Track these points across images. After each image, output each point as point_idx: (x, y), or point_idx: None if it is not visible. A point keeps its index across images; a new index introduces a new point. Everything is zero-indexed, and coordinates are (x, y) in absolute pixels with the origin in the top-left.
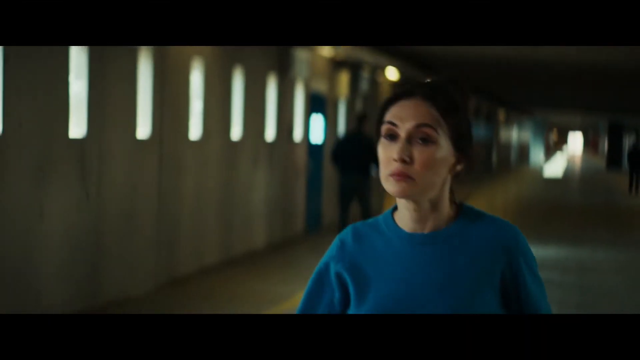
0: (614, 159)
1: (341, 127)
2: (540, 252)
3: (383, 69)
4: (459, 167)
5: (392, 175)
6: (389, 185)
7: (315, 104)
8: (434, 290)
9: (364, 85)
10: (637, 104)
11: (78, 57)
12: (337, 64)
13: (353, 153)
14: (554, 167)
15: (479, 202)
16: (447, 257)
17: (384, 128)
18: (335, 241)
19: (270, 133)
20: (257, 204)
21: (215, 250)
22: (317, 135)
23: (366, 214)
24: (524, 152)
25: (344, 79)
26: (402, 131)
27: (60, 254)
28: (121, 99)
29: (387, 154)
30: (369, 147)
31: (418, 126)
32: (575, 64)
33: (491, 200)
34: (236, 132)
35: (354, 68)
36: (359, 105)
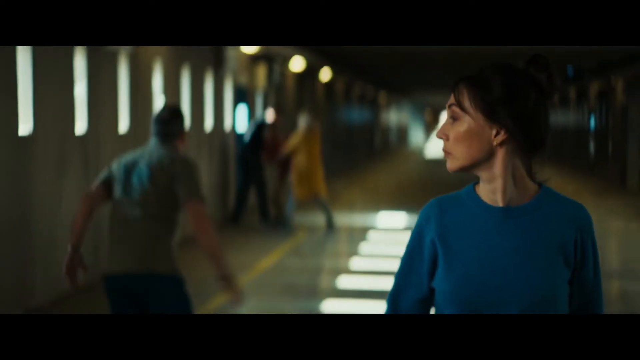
0: None
1: (259, 116)
2: None
3: (291, 60)
4: (499, 138)
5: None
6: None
7: (239, 96)
8: (515, 259)
9: (276, 76)
10: None
11: None
12: (255, 59)
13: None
14: (435, 148)
15: (365, 186)
16: (528, 229)
17: None
18: (422, 214)
19: (208, 124)
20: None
21: None
22: (241, 124)
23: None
24: (402, 134)
25: (261, 72)
26: (446, 114)
27: None
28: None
29: None
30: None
31: (449, 107)
32: (448, 48)
33: (376, 183)
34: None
35: (269, 61)
36: (272, 95)
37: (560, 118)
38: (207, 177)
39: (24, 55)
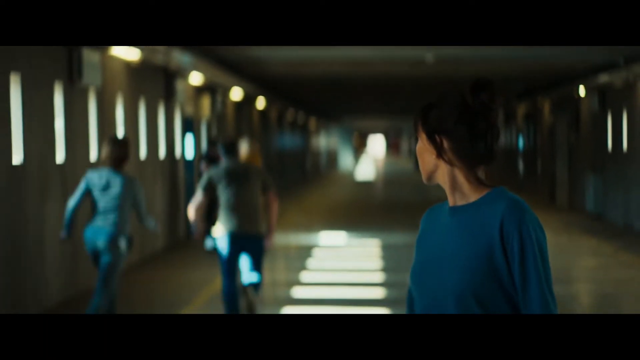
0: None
1: (204, 144)
2: (364, 239)
3: (230, 90)
4: (448, 156)
5: None
6: None
7: (187, 125)
8: (453, 251)
9: (218, 106)
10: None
11: None
12: (199, 90)
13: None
14: (364, 170)
15: (301, 208)
16: (466, 224)
17: None
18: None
19: (161, 152)
20: (156, 213)
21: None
22: (189, 152)
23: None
24: (332, 157)
25: (205, 102)
26: None
27: None
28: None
29: None
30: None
31: (414, 131)
32: (373, 76)
33: (310, 205)
34: (142, 152)
35: (212, 92)
36: (214, 123)
37: None
38: (160, 202)
39: (15, 87)
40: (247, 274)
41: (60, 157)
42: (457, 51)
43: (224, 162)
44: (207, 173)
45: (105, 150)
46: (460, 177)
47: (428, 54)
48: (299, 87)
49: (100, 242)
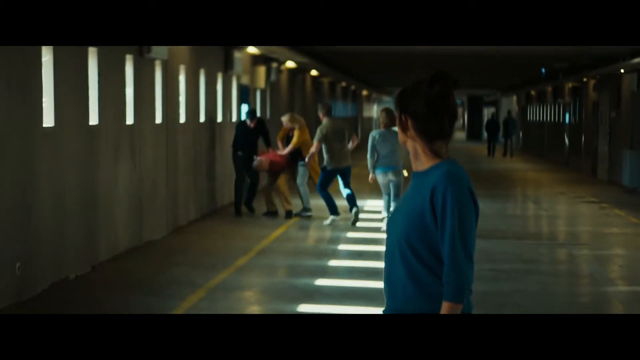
0: (473, 131)
1: (259, 112)
2: None
3: (285, 61)
4: (410, 133)
5: None
6: None
7: (243, 93)
8: (402, 209)
9: (273, 75)
10: (489, 81)
11: None
12: (255, 59)
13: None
14: None
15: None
16: (416, 187)
17: None
18: None
19: (219, 116)
20: (218, 172)
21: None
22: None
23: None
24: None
25: (260, 72)
26: None
27: None
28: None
29: None
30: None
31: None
32: (429, 52)
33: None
34: (202, 117)
35: (267, 62)
36: (268, 92)
37: (538, 113)
38: (218, 165)
39: (92, 60)
40: (343, 189)
41: (129, 119)
42: None
43: (326, 121)
44: (320, 129)
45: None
46: (419, 149)
47: None
48: (351, 60)
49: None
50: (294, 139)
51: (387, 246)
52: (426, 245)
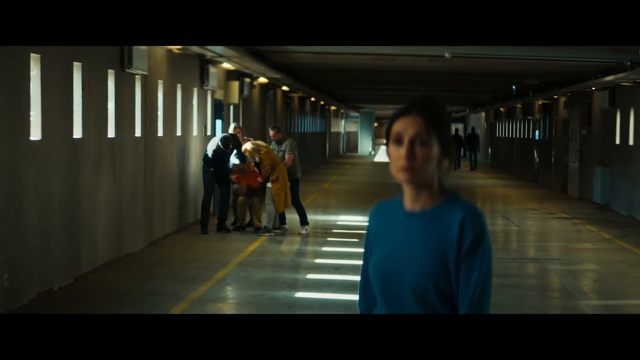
0: None
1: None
2: None
3: (258, 77)
4: (444, 163)
5: (402, 169)
6: (400, 176)
7: (217, 108)
8: (410, 254)
9: (246, 90)
10: (460, 98)
11: None
12: (229, 74)
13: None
14: (382, 155)
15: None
16: (422, 229)
17: (393, 136)
18: (369, 214)
19: (194, 130)
20: (190, 186)
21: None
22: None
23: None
24: (353, 140)
25: (234, 86)
26: (407, 138)
27: None
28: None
29: (396, 154)
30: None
31: (417, 134)
32: (393, 68)
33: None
34: (178, 131)
35: (240, 77)
36: (241, 106)
37: (507, 130)
38: (192, 176)
39: (77, 75)
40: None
41: (111, 132)
42: (474, 49)
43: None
44: (291, 142)
45: None
46: (435, 181)
47: (447, 51)
48: (321, 75)
49: None
50: (265, 166)
51: (384, 293)
52: (451, 284)
